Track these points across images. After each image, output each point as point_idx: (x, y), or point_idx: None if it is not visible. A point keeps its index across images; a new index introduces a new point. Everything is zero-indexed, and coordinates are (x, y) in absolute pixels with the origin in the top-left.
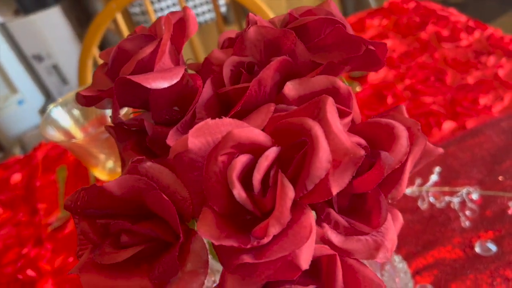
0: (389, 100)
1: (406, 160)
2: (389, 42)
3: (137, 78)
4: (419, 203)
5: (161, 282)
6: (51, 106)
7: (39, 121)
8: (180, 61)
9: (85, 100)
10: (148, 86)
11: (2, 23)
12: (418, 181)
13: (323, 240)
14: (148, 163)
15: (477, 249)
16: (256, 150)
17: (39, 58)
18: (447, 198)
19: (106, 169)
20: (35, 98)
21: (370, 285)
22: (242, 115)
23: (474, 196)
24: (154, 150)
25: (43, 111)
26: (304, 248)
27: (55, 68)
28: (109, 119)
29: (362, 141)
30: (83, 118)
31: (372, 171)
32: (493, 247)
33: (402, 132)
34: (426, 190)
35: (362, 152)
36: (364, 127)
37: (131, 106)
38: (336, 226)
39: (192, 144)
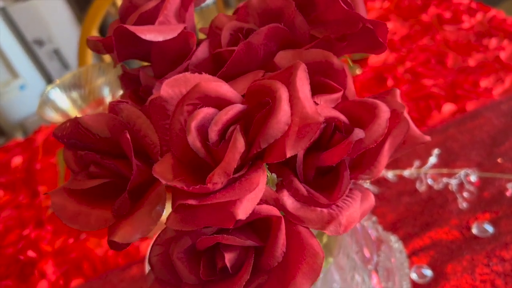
0: (389, 82)
1: (384, 141)
2: (390, 25)
3: (132, 28)
4: (417, 185)
5: (119, 216)
6: (48, 88)
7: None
8: (186, 21)
9: (93, 46)
10: (142, 36)
11: (2, 7)
12: (416, 163)
13: (278, 205)
14: (125, 104)
15: (474, 230)
16: (223, 106)
17: (40, 42)
18: (445, 180)
19: None
20: (37, 83)
21: (312, 254)
22: (230, 79)
23: (473, 178)
24: (146, 99)
25: None
26: (246, 200)
27: (56, 52)
28: (107, 102)
29: (342, 117)
30: (81, 101)
31: (340, 145)
32: (490, 228)
33: (383, 113)
34: (425, 172)
35: (321, 119)
36: (351, 105)
37: (135, 58)
38: (295, 194)
39: (165, 92)
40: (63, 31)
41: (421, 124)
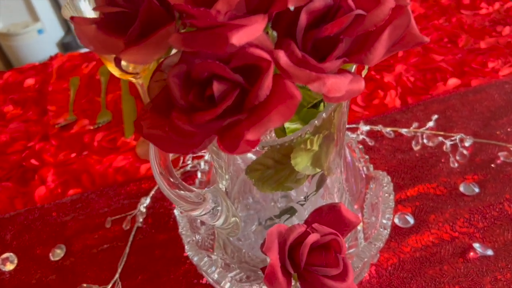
0: (400, 53)
1: (384, 28)
2: None
3: None
4: (413, 144)
5: (129, 42)
6: None
7: (56, 51)
8: None
9: None
10: None
11: None
12: (415, 124)
13: (272, 57)
14: None
15: (461, 188)
16: None
17: None
18: (440, 139)
19: None
20: (55, 29)
21: (291, 97)
22: None
23: (467, 143)
24: None
25: (61, 43)
26: (242, 31)
27: None
28: None
29: (351, 2)
30: None
31: (341, 18)
32: (476, 189)
33: (387, 2)
34: (422, 132)
35: None
36: (363, 0)
37: None
38: (290, 55)
39: None
40: None
41: (425, 92)
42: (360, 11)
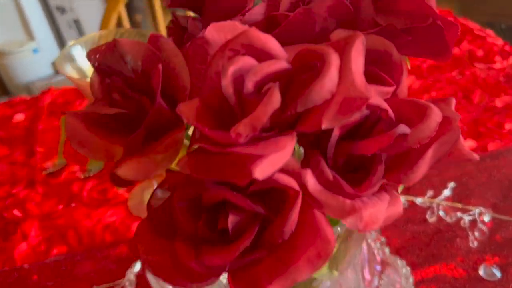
0: None
1: (429, 145)
2: None
3: None
4: (428, 215)
5: (129, 152)
6: (71, 43)
7: (51, 72)
8: None
9: None
10: None
11: None
12: (429, 193)
13: (299, 181)
14: (166, 40)
15: (481, 272)
16: (266, 60)
17: (62, 10)
18: (459, 214)
19: None
20: (51, 49)
21: (323, 239)
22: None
23: (486, 218)
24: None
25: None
26: (267, 161)
27: (76, 22)
28: None
29: (389, 110)
30: None
31: (381, 135)
32: (497, 273)
33: (434, 115)
34: (437, 203)
35: (369, 95)
36: (400, 103)
37: (187, 8)
38: (319, 176)
39: (209, 34)
40: (86, 2)
41: None
42: (403, 129)
